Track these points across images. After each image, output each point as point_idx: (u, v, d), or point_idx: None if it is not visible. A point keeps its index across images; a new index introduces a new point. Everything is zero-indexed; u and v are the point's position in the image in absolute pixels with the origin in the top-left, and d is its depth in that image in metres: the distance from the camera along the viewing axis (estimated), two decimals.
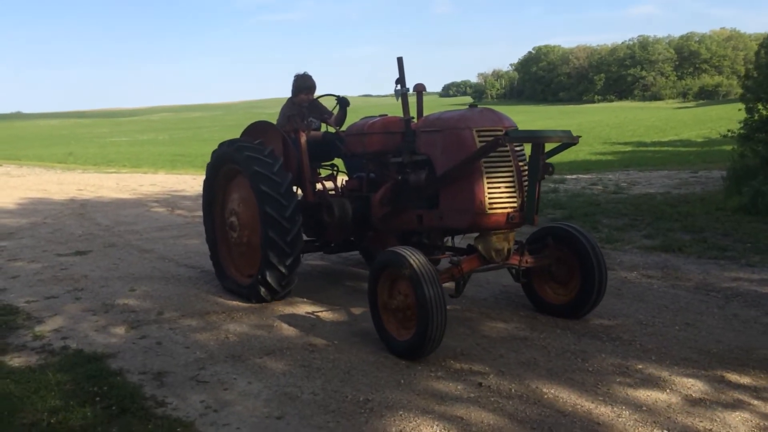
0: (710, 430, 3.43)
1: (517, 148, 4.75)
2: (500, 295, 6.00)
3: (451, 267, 4.81)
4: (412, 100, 5.31)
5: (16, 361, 4.63)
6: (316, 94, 6.79)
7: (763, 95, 11.17)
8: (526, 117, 59.97)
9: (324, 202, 5.95)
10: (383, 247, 5.75)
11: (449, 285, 4.80)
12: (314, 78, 6.73)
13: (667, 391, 3.90)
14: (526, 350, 4.61)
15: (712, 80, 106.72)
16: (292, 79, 6.71)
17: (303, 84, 6.67)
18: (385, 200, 5.53)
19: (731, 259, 6.90)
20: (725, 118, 31.38)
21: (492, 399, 3.85)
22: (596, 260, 4.95)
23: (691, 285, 6.08)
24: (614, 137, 29.59)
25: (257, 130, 6.39)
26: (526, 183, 4.65)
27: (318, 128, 6.69)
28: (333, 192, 6.38)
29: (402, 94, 5.14)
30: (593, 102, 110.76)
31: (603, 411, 3.67)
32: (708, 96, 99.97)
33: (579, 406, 3.73)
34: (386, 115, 5.76)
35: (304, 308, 5.76)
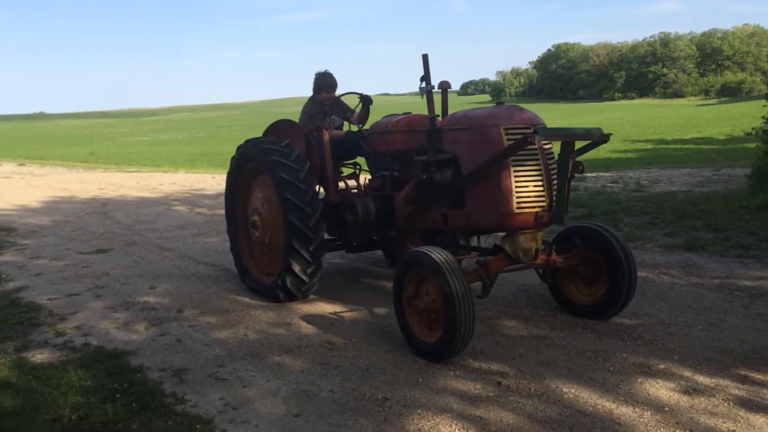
0: (734, 430, 3.37)
1: (546, 146, 4.64)
2: (520, 293, 5.95)
3: (477, 267, 4.74)
4: (437, 98, 5.22)
5: (38, 357, 4.68)
6: (339, 92, 6.76)
7: None
8: (546, 115, 58.81)
9: (347, 201, 5.91)
10: (406, 246, 5.71)
11: (475, 285, 4.73)
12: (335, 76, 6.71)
13: (690, 391, 3.84)
14: (546, 349, 4.56)
15: (735, 77, 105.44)
16: (312, 78, 6.67)
17: (324, 82, 6.63)
18: (410, 199, 5.48)
19: (755, 258, 6.78)
20: (748, 116, 30.95)
21: (511, 398, 3.82)
22: (626, 262, 4.84)
23: (714, 284, 5.98)
24: (635, 135, 29.24)
25: (280, 128, 6.35)
26: (554, 181, 4.56)
27: (340, 127, 6.69)
28: (356, 191, 6.37)
29: (427, 91, 5.07)
30: (613, 100, 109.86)
31: (624, 411, 3.62)
32: (731, 93, 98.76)
33: (600, 406, 3.68)
34: (410, 113, 5.71)
35: (323, 306, 5.76)
